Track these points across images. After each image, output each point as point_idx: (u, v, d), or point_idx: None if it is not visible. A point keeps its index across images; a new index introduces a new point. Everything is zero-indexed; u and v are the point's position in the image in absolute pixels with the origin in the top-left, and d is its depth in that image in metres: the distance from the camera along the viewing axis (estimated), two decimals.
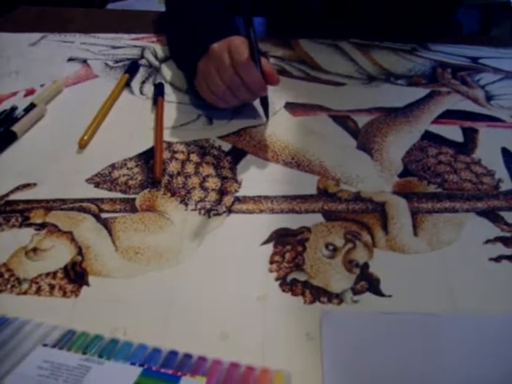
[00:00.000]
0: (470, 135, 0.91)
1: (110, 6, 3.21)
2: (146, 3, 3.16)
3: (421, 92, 1.03)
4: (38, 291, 0.66)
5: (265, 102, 0.89)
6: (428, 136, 0.91)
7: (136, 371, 0.54)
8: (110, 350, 0.58)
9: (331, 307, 0.64)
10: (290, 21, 1.26)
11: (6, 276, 0.68)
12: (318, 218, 0.75)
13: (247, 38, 0.80)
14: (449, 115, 0.96)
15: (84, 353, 0.57)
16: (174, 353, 0.58)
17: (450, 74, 1.08)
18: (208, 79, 0.86)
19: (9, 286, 0.67)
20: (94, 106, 0.96)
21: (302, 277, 0.67)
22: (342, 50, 1.13)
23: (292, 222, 0.74)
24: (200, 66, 0.88)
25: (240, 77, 0.83)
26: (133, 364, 0.55)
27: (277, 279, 0.67)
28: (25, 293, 0.66)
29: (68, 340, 0.59)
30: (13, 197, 0.79)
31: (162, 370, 0.55)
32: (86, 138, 0.88)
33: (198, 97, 0.93)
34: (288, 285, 0.66)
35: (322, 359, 0.59)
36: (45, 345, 0.58)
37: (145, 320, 0.63)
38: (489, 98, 1.01)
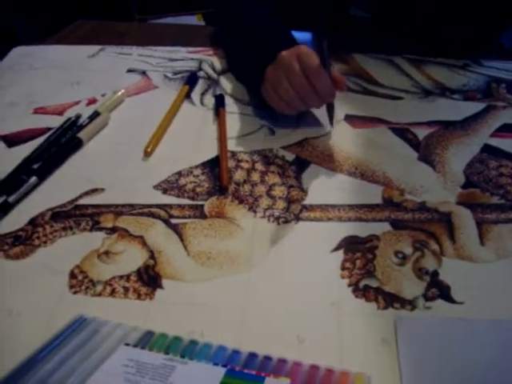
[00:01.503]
0: None
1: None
2: (186, 20, 3.20)
3: (477, 106, 1.03)
4: (113, 293, 0.68)
5: (331, 109, 0.90)
6: (487, 149, 0.91)
7: (220, 371, 0.55)
8: (190, 350, 0.59)
9: (405, 313, 0.64)
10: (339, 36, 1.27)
11: (80, 278, 0.69)
12: (386, 226, 0.76)
13: (319, 44, 0.82)
14: (506, 129, 0.96)
15: (166, 353, 0.58)
16: (253, 355, 0.59)
17: (505, 88, 1.08)
18: (277, 85, 0.88)
19: (83, 287, 0.68)
20: (155, 115, 0.98)
21: (373, 283, 0.68)
22: (397, 64, 1.14)
23: (360, 230, 0.75)
24: (268, 72, 0.90)
25: (310, 82, 0.84)
26: (216, 364, 0.56)
27: (349, 285, 0.68)
28: (99, 294, 0.68)
29: (148, 341, 0.60)
30: (81, 201, 0.81)
31: (246, 371, 0.55)
32: (151, 146, 0.89)
33: (262, 106, 0.95)
34: (361, 291, 0.67)
35: (399, 364, 0.59)
36: (127, 344, 0.59)
37: (220, 323, 0.64)
38: None
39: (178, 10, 3.34)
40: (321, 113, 0.95)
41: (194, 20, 3.27)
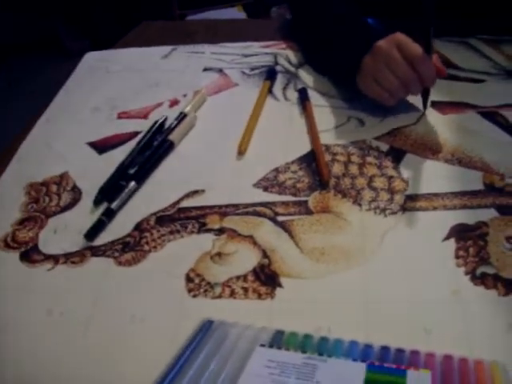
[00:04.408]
0: None
1: (189, 18, 3.27)
2: (226, 12, 3.21)
3: None
4: (233, 294, 0.69)
5: (427, 93, 0.91)
6: None
7: (361, 367, 0.56)
8: (325, 348, 0.60)
9: None
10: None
11: (197, 281, 0.71)
12: (492, 212, 0.76)
13: (427, 30, 0.83)
14: None
15: (303, 352, 0.58)
16: (385, 348, 0.60)
17: None
18: (378, 76, 0.88)
19: (201, 290, 0.70)
20: (240, 112, 1.00)
21: (490, 270, 0.68)
22: (473, 46, 1.12)
23: (467, 217, 0.75)
24: (366, 63, 0.90)
25: (416, 70, 0.84)
26: (355, 360, 0.57)
27: (466, 273, 0.68)
28: (219, 296, 0.69)
29: (280, 340, 0.61)
30: (183, 204, 0.82)
31: (386, 365, 0.56)
32: (244, 144, 0.90)
33: (354, 97, 0.96)
34: (479, 278, 0.67)
35: None
36: (262, 345, 0.59)
37: (344, 318, 0.65)
38: None
39: (217, 3, 3.35)
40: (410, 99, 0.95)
41: (235, 12, 3.28)
